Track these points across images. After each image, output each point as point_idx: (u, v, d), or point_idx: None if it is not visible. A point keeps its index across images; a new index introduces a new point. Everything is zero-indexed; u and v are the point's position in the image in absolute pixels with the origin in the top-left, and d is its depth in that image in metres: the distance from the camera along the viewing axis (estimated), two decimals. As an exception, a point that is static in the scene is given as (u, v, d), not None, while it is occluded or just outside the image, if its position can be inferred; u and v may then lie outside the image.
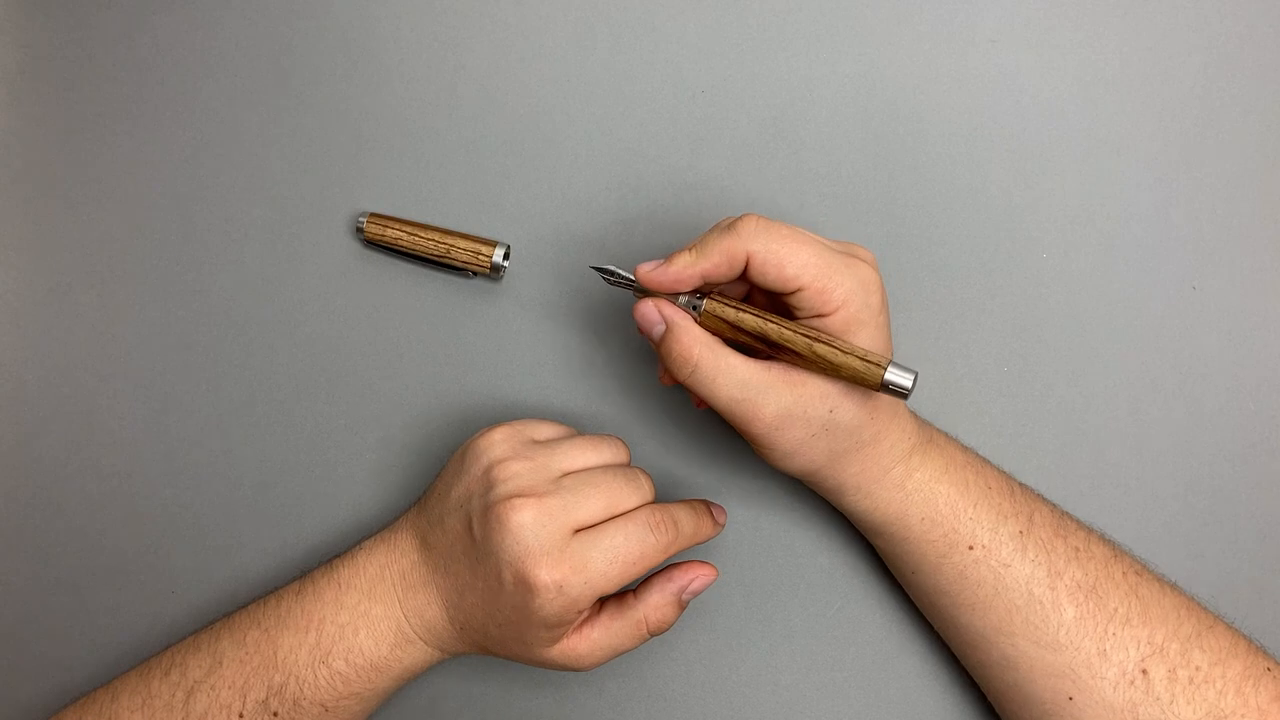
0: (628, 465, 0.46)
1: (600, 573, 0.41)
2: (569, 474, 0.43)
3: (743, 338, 0.43)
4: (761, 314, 0.43)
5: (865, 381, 0.41)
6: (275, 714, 0.43)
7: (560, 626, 0.42)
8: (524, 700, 0.50)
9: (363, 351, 0.53)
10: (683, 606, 0.45)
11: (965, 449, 0.47)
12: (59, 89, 0.56)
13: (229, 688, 0.43)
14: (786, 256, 0.41)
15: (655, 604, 0.44)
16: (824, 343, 0.41)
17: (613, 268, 0.46)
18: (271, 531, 0.52)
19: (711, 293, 0.44)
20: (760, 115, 0.55)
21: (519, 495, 0.41)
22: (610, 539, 0.41)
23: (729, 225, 0.42)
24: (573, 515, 0.41)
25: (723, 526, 0.47)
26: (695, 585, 0.45)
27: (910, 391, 0.41)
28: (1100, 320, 0.53)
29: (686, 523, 0.44)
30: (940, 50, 0.55)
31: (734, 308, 0.43)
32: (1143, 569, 0.45)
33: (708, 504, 0.46)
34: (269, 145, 0.55)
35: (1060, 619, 0.43)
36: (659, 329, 0.43)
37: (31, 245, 0.54)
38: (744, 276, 0.43)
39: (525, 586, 0.40)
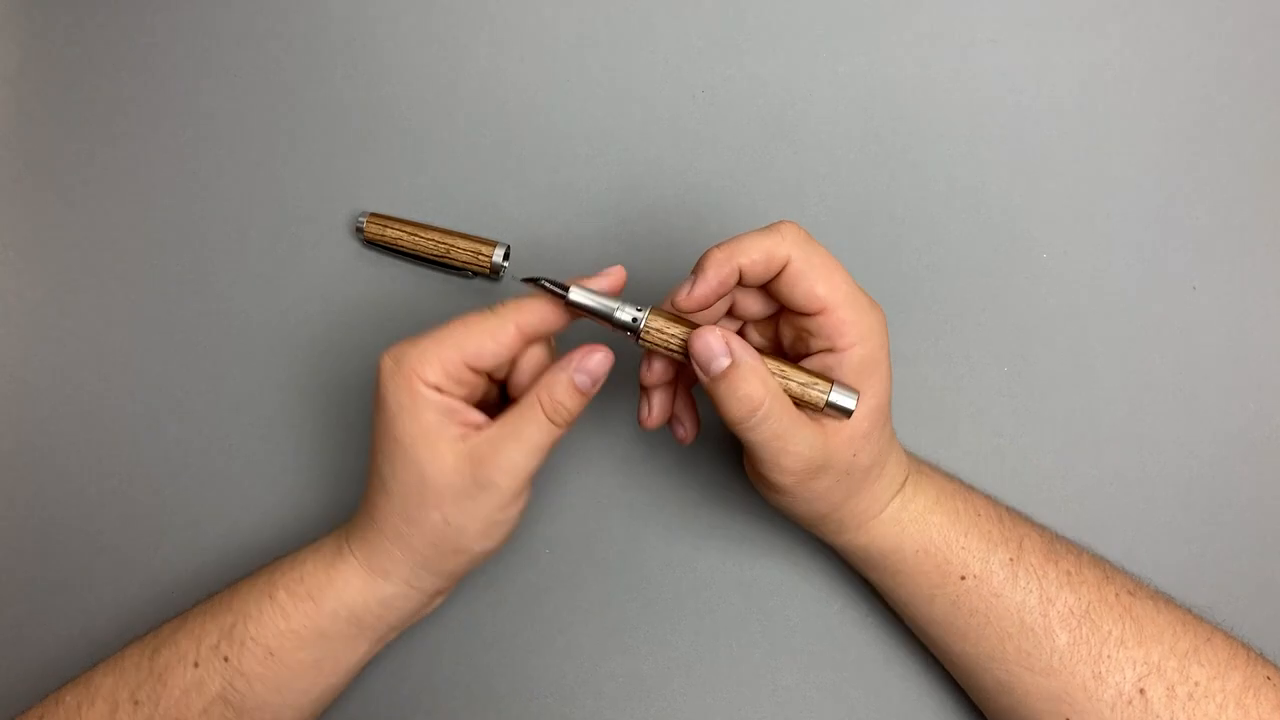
0: None
1: (431, 336, 0.40)
2: None
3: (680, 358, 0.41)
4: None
5: (805, 401, 0.40)
6: (226, 659, 0.42)
7: (416, 413, 0.40)
8: (523, 700, 0.50)
9: (363, 351, 0.53)
10: (579, 391, 0.41)
11: (949, 476, 0.47)
12: (59, 89, 0.56)
13: (188, 637, 0.43)
14: (822, 273, 0.40)
15: (547, 381, 0.41)
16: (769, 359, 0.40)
17: (543, 280, 0.41)
18: (272, 531, 0.52)
19: (652, 307, 0.41)
20: (760, 115, 0.55)
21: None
22: (448, 326, 0.41)
23: (768, 227, 0.41)
24: (425, 336, 0.41)
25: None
26: (589, 364, 0.41)
27: (852, 412, 0.40)
28: (1100, 320, 0.53)
29: (529, 309, 0.41)
30: (940, 50, 0.55)
31: (676, 320, 0.41)
32: (1136, 588, 0.44)
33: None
34: (269, 145, 0.55)
35: (1053, 645, 0.42)
36: (721, 363, 0.39)
37: (31, 245, 0.54)
38: (764, 289, 0.41)
39: (376, 396, 0.41)
